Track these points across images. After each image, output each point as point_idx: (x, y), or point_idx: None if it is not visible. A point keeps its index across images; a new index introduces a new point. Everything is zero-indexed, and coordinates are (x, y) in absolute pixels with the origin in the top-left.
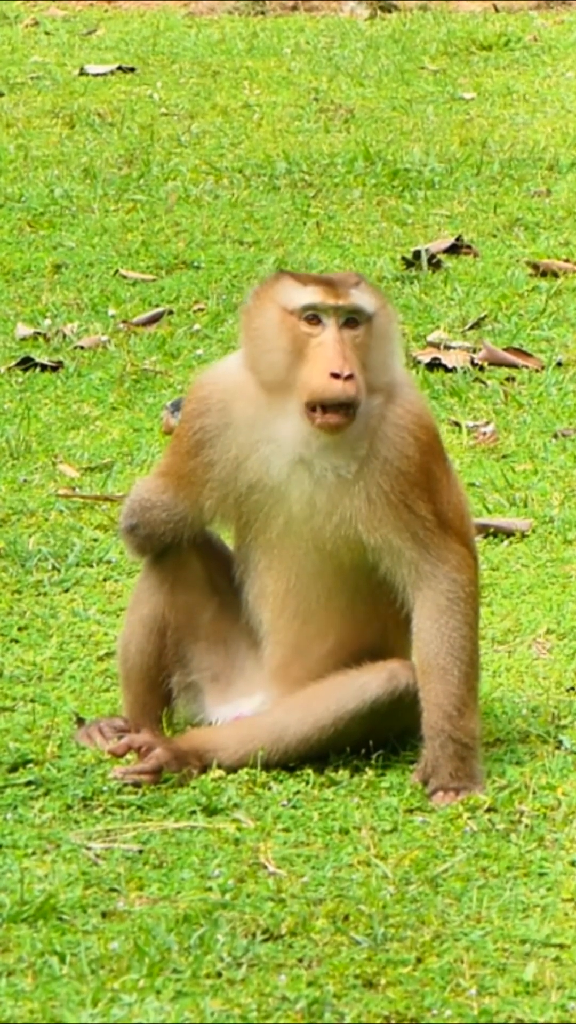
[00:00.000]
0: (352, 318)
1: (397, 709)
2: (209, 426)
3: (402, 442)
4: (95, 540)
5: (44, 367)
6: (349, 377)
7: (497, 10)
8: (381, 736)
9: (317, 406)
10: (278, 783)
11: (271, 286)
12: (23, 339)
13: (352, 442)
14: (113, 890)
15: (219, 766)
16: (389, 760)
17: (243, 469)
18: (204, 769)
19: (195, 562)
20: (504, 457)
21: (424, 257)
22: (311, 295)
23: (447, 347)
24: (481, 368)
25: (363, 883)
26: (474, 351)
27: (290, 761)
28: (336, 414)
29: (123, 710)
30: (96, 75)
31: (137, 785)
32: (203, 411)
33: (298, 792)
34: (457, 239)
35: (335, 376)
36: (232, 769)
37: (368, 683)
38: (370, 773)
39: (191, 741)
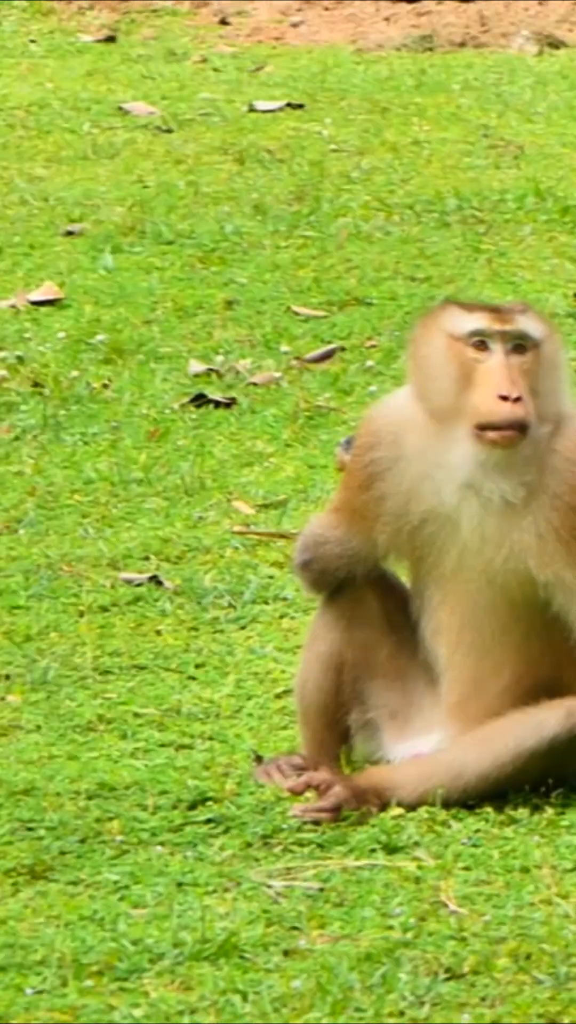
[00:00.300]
0: (519, 344)
1: (575, 747)
2: (380, 459)
3: (572, 476)
4: (271, 577)
5: (218, 404)
6: (518, 399)
7: None
8: (560, 773)
9: (487, 428)
10: (458, 821)
11: (438, 315)
12: (196, 375)
13: (520, 467)
14: (294, 928)
15: (399, 804)
16: (569, 798)
17: (415, 500)
18: (383, 807)
19: (371, 599)
20: None
21: None
22: (477, 321)
23: None
24: None
25: (545, 922)
26: None
27: (469, 799)
28: (507, 431)
29: (301, 747)
30: (265, 111)
31: (317, 823)
32: (374, 444)
33: (478, 830)
34: None
35: (503, 398)
36: (411, 807)
37: (546, 720)
38: (550, 811)
39: (370, 779)
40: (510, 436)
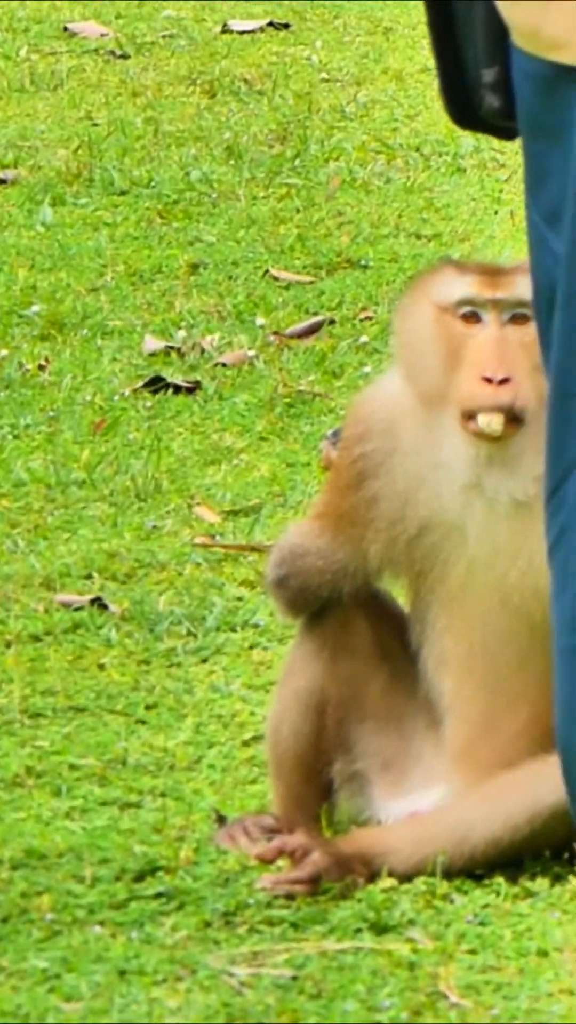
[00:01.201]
0: (519, 313)
1: None
2: (372, 453)
3: None
4: (239, 599)
5: (178, 388)
6: (504, 381)
7: None
8: None
9: (471, 417)
10: (462, 895)
11: (427, 279)
12: (152, 355)
13: (529, 460)
14: None
15: (390, 874)
16: None
17: (413, 503)
18: (372, 877)
19: (361, 624)
20: None
21: None
22: (466, 287)
23: None
24: None
25: (565, 1016)
26: None
27: (477, 867)
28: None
29: (273, 805)
30: (241, 32)
31: (291, 897)
32: (364, 435)
33: (486, 906)
34: None
35: (488, 380)
36: (406, 877)
37: None
38: (573, 882)
39: (356, 844)
40: (500, 406)
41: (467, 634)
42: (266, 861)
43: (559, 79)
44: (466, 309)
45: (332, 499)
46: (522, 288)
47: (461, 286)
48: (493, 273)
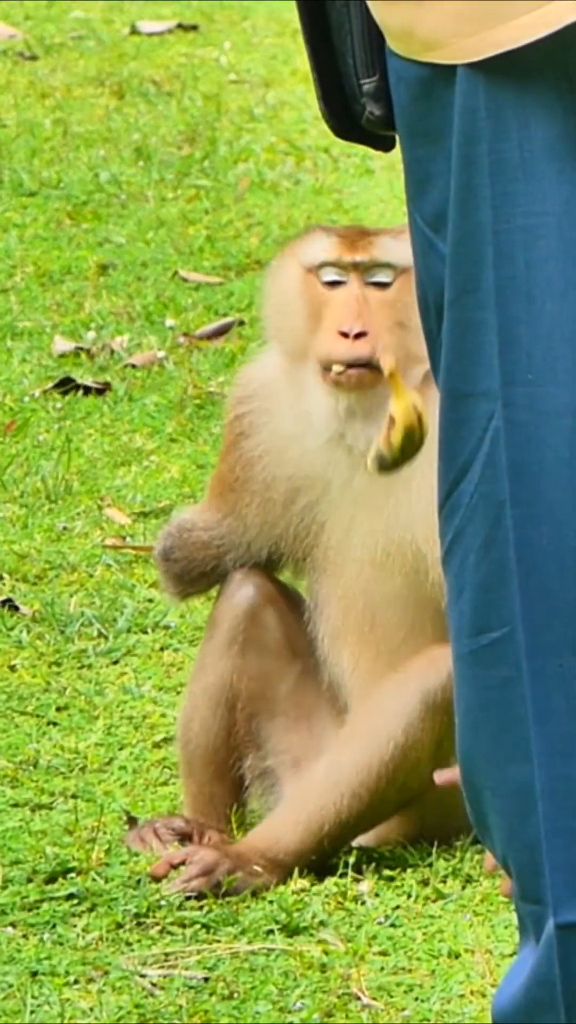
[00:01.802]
0: (380, 280)
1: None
2: (247, 414)
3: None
4: (150, 601)
5: (87, 390)
6: (360, 335)
7: None
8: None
9: (329, 368)
10: (373, 896)
11: (296, 242)
12: (62, 355)
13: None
14: None
15: (287, 854)
16: None
17: (283, 463)
18: (280, 873)
19: (270, 620)
20: None
21: None
22: (327, 250)
23: None
24: None
25: (477, 1017)
26: None
27: (361, 809)
28: (350, 371)
29: (184, 806)
30: (150, 34)
31: (201, 898)
32: (243, 398)
33: (398, 907)
34: None
35: (344, 335)
36: (305, 855)
37: (408, 684)
38: (485, 884)
39: (250, 839)
40: (353, 376)
41: (353, 603)
42: (157, 878)
43: (435, 80)
44: (329, 272)
45: (217, 470)
46: (383, 250)
47: (325, 248)
48: (356, 236)
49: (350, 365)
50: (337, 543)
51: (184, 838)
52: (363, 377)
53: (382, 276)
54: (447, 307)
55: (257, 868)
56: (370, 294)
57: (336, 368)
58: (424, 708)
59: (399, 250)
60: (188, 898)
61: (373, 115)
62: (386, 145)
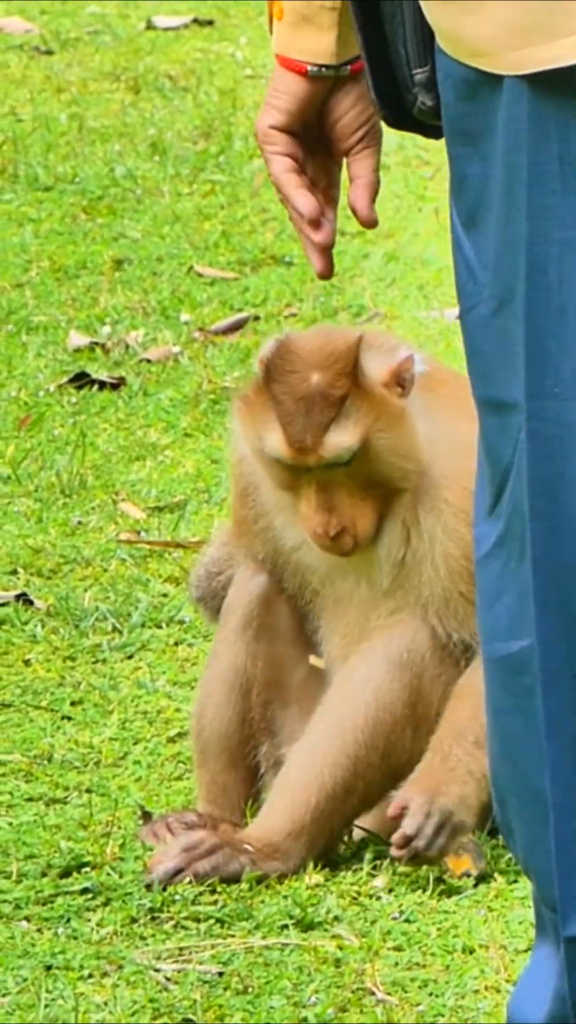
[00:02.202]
0: (338, 463)
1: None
2: (246, 476)
3: (456, 531)
4: (164, 595)
5: (102, 384)
6: (338, 534)
7: None
8: (425, 705)
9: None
10: (388, 892)
11: (251, 401)
12: (77, 350)
13: (382, 558)
14: (187, 1021)
15: (283, 837)
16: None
17: (280, 535)
18: (292, 864)
19: (283, 609)
20: None
21: None
22: (278, 448)
23: None
24: None
25: (491, 1013)
26: None
27: (345, 781)
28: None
29: (197, 798)
30: (166, 29)
31: (195, 875)
32: (242, 461)
33: (413, 903)
34: None
35: (321, 535)
36: (303, 835)
37: (386, 640)
38: (500, 880)
39: (247, 831)
40: (344, 553)
41: (348, 641)
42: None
43: (481, 85)
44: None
45: (233, 504)
46: (331, 447)
47: (274, 444)
48: (304, 438)
49: (336, 552)
50: (334, 604)
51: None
52: (350, 552)
53: (338, 460)
54: (472, 312)
55: (248, 847)
56: (334, 474)
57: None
58: (391, 668)
59: (346, 437)
60: (202, 892)
61: (425, 105)
62: (437, 134)
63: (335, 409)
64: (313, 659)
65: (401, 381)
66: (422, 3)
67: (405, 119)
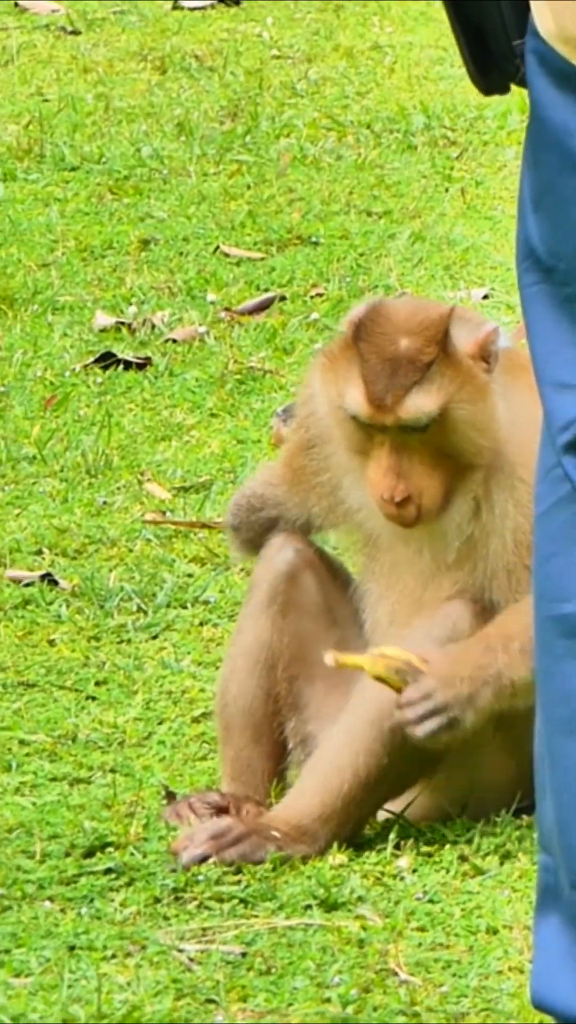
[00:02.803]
0: (412, 427)
1: None
2: (316, 432)
3: (514, 523)
4: (189, 576)
5: (128, 364)
6: (404, 501)
7: None
8: None
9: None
10: (412, 872)
11: (335, 358)
12: (103, 330)
13: (449, 531)
14: (210, 1001)
15: (312, 820)
16: None
17: (345, 493)
18: (318, 847)
19: (310, 583)
20: None
21: None
22: (358, 405)
23: None
24: None
25: (515, 994)
26: None
27: (378, 768)
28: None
29: (222, 776)
30: (192, 9)
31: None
32: (310, 414)
33: (436, 883)
34: None
35: (387, 500)
36: (331, 819)
37: (427, 628)
38: (524, 860)
39: (274, 811)
40: (406, 523)
41: (398, 608)
42: (177, 854)
43: (570, 78)
44: (361, 422)
45: (290, 452)
46: (408, 409)
47: (354, 400)
48: (383, 392)
49: (399, 522)
50: (390, 570)
51: (220, 812)
52: (414, 523)
53: (415, 424)
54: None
55: (275, 833)
56: (409, 439)
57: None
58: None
59: (427, 401)
60: (226, 872)
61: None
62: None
63: (420, 373)
64: (331, 657)
65: (486, 355)
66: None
67: (499, 86)
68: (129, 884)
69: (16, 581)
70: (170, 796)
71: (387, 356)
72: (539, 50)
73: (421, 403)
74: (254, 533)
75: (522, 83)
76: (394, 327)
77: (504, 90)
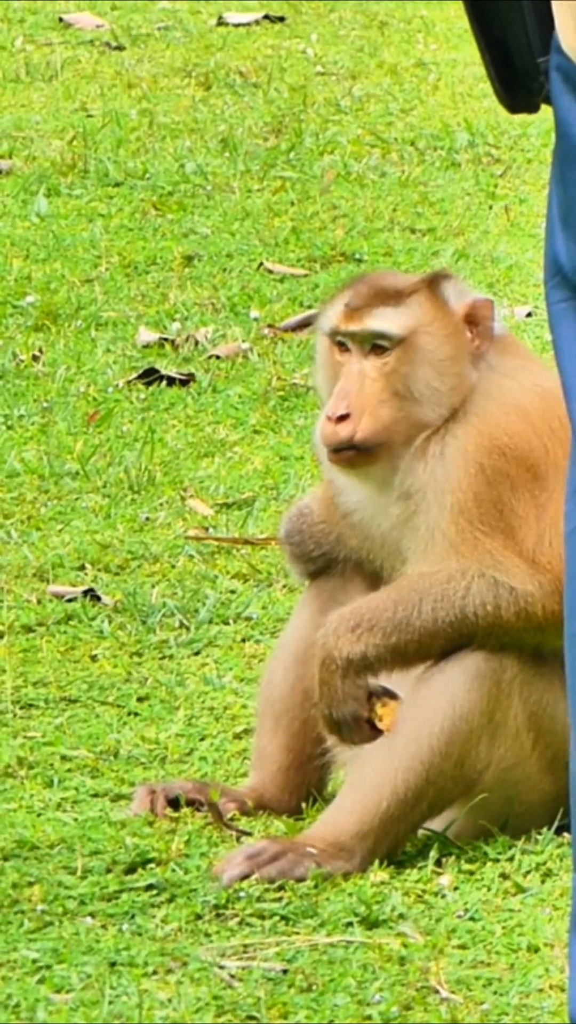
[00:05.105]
0: (378, 344)
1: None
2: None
3: (459, 472)
4: (232, 592)
5: (171, 381)
6: (343, 418)
7: None
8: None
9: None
10: (453, 890)
11: (328, 301)
12: (146, 346)
13: (395, 478)
14: (251, 1018)
15: (350, 838)
16: None
17: (342, 499)
18: (358, 863)
19: (359, 584)
20: None
21: None
22: (333, 317)
23: None
24: None
25: (556, 1012)
26: None
27: (417, 787)
28: (338, 454)
29: (250, 772)
30: (237, 25)
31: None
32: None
33: (478, 901)
34: None
35: (329, 418)
36: (370, 836)
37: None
38: (565, 879)
39: (311, 829)
40: (343, 458)
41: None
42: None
43: None
44: (338, 339)
45: (325, 495)
46: (375, 320)
47: (331, 316)
48: (358, 303)
49: (335, 449)
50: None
51: (188, 804)
52: (351, 459)
53: (382, 342)
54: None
55: (311, 850)
56: (370, 364)
57: (327, 451)
58: (467, 679)
59: (397, 319)
60: (267, 889)
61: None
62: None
63: (399, 298)
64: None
65: (474, 320)
66: (555, 5)
67: (526, 104)
68: (170, 900)
69: (59, 596)
70: (213, 809)
71: (374, 282)
72: (563, 67)
73: (391, 318)
74: (301, 538)
75: (548, 100)
76: (391, 273)
77: (531, 108)
